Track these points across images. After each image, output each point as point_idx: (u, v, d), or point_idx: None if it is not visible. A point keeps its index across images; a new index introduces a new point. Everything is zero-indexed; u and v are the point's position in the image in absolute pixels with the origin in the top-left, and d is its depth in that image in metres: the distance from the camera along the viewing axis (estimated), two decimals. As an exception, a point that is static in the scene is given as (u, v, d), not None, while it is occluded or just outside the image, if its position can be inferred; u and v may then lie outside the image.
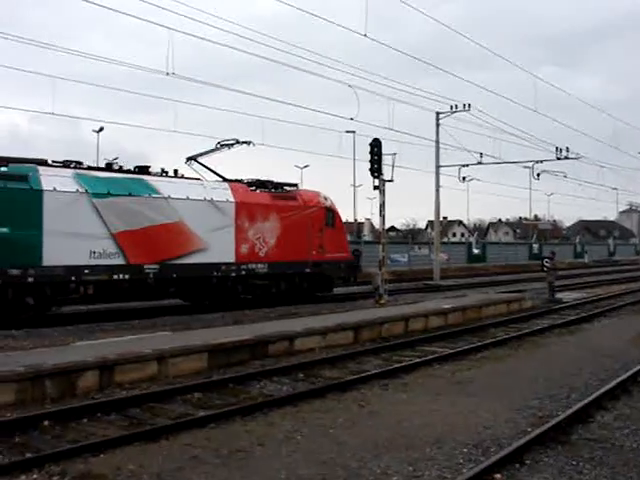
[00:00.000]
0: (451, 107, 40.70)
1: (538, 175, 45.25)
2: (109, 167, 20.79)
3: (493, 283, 39.57)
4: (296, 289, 24.86)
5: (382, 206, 23.45)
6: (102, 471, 7.38)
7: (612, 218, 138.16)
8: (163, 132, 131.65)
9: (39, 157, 19.02)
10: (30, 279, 17.50)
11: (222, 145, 24.90)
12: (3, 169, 17.51)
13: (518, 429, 9.23)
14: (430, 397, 11.18)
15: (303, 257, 24.76)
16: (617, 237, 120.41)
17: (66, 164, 19.51)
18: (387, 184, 23.88)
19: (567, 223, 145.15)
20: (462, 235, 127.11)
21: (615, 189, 75.04)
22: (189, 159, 24.01)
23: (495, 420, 9.69)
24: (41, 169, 18.30)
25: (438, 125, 41.39)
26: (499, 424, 9.48)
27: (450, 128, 41.36)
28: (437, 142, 41.52)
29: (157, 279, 20.28)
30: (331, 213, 26.37)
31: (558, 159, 42.34)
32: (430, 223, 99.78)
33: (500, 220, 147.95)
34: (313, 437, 8.84)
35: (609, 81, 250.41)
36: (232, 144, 24.88)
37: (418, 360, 14.24)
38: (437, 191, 41.85)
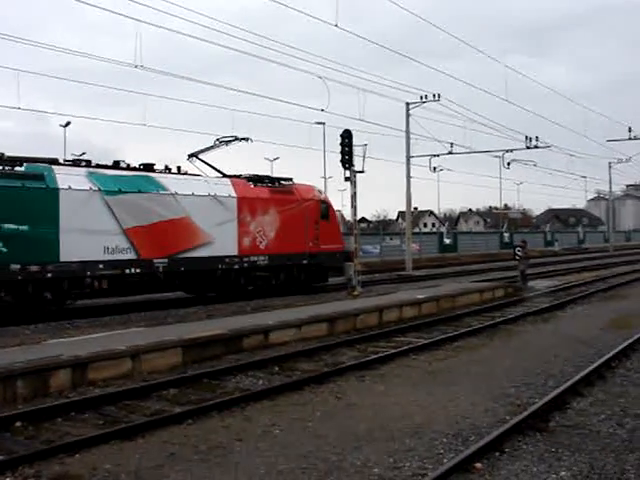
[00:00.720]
0: (421, 97, 40.69)
1: (508, 164, 45.56)
2: (117, 165, 21.23)
3: (465, 273, 39.73)
4: (294, 280, 25.59)
5: (353, 197, 23.43)
6: (78, 471, 7.25)
7: (581, 206, 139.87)
8: (132, 126, 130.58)
9: (48, 156, 19.46)
10: (49, 275, 18.13)
11: (221, 142, 25.42)
12: (21, 169, 18.09)
13: (497, 418, 9.24)
14: (407, 388, 11.16)
15: (300, 249, 25.53)
16: (586, 225, 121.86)
17: (76, 163, 20.08)
18: (358, 175, 23.89)
19: (537, 212, 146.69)
20: (433, 225, 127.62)
21: (584, 177, 75.66)
22: (191, 156, 24.69)
23: (473, 409, 9.69)
24: (56, 168, 18.90)
25: (408, 115, 41.37)
26: (478, 413, 9.48)
27: (420, 118, 41.51)
28: (407, 132, 41.51)
29: (166, 273, 20.98)
30: (325, 206, 27.19)
31: (528, 148, 42.66)
32: (401, 214, 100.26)
33: (471, 210, 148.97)
34: (291, 431, 8.78)
35: (577, 70, 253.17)
36: (230, 140, 25.36)
37: (394, 351, 14.22)
38: (408, 181, 41.84)
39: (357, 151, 23.86)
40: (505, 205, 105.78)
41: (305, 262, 25.76)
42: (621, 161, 67.14)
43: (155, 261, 20.56)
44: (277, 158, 75.55)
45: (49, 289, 18.42)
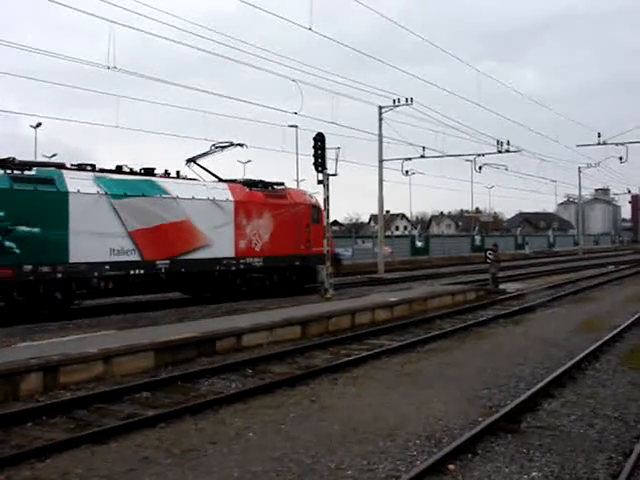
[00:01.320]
0: (394, 101, 40.89)
1: (480, 168, 45.98)
2: (119, 169, 21.66)
3: (437, 275, 39.93)
4: (287, 281, 26.42)
5: (326, 200, 23.44)
6: (49, 476, 7.20)
7: (551, 210, 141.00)
8: (104, 127, 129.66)
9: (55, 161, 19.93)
10: (59, 275, 18.74)
11: (217, 147, 25.87)
12: (32, 173, 18.64)
13: (469, 419, 9.30)
14: (380, 390, 11.20)
15: (293, 251, 26.32)
16: (556, 229, 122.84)
17: (81, 167, 20.50)
18: (330, 178, 23.92)
19: (508, 215, 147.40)
20: (405, 228, 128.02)
21: (554, 182, 76.34)
22: (189, 161, 25.22)
23: (446, 411, 9.74)
24: (65, 172, 19.49)
25: (381, 119, 41.55)
26: (450, 415, 9.54)
27: (393, 122, 41.60)
28: (380, 136, 41.68)
29: (168, 274, 21.67)
30: (316, 210, 27.78)
31: (499, 152, 43.00)
32: (373, 217, 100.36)
33: (442, 213, 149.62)
34: (265, 433, 8.77)
35: (548, 76, 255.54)
36: (226, 146, 25.86)
37: (367, 353, 14.25)
38: (380, 185, 42.06)
39: (330, 154, 23.94)
40: (476, 209, 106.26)
41: (297, 264, 26.56)
42: (590, 166, 67.76)
43: (158, 262, 21.25)
44: (249, 161, 75.39)
45: (59, 289, 19.00)
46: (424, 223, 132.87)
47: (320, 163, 23.08)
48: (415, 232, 71.39)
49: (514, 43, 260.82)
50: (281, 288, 25.71)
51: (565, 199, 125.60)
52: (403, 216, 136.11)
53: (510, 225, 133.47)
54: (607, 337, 15.74)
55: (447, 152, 46.24)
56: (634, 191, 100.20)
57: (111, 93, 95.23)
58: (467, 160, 53.57)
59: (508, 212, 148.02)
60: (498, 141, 43.06)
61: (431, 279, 36.62)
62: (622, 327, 17.45)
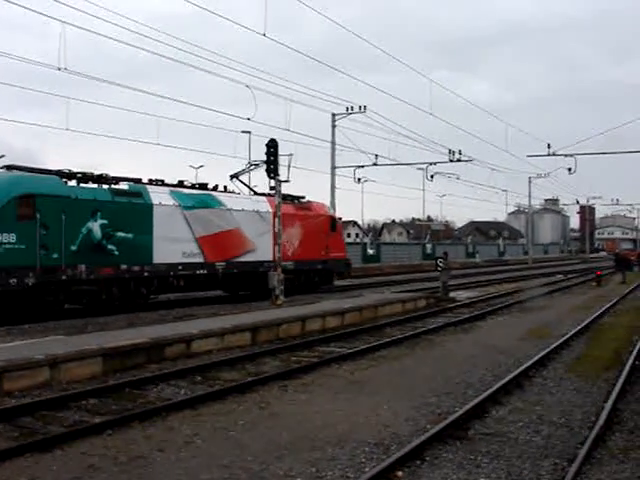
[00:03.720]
0: (347, 109, 41.11)
1: (431, 177, 46.46)
2: (181, 184, 25.42)
3: (388, 283, 40.10)
4: (311, 282, 30.47)
5: (278, 207, 23.42)
6: (-9, 484, 7.03)
7: (502, 219, 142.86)
8: (55, 129, 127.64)
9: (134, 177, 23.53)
10: (145, 274, 22.27)
11: (252, 165, 29.54)
12: (126, 187, 22.38)
13: (418, 426, 9.35)
14: (330, 397, 11.20)
15: (316, 256, 30.47)
16: (506, 238, 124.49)
17: (153, 182, 24.04)
18: (283, 185, 23.94)
19: (459, 224, 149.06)
20: (357, 235, 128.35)
21: (505, 191, 77.58)
22: (232, 177, 28.95)
23: (395, 418, 9.79)
24: (149, 187, 23.22)
25: (334, 126, 41.73)
26: (399, 422, 9.58)
27: (346, 129, 41.81)
28: (333, 143, 41.88)
29: (223, 274, 25.46)
30: (333, 220, 32.44)
31: (451, 161, 43.54)
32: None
33: (394, 221, 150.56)
34: (214, 441, 8.71)
35: (500, 87, 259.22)
36: (259, 164, 28.22)
37: (317, 360, 14.26)
38: (332, 192, 42.20)
39: (282, 161, 24.00)
40: (428, 217, 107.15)
41: (319, 267, 30.85)
42: (540, 176, 69.04)
43: (216, 264, 25.03)
44: (202, 166, 75.06)
45: (145, 285, 22.53)
46: (376, 231, 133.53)
47: (272, 169, 23.04)
48: (367, 239, 71.68)
49: (467, 53, 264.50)
50: (305, 287, 29.41)
51: (515, 208, 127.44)
52: (355, 223, 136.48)
53: (461, 234, 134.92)
54: (554, 345, 15.99)
55: (400, 160, 46.71)
56: (582, 202, 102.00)
57: (61, 95, 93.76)
58: (419, 168, 54.16)
59: (459, 221, 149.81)
60: (450, 150, 43.62)
61: (382, 286, 36.77)
62: (569, 335, 17.74)
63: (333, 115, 42.03)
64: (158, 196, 23.09)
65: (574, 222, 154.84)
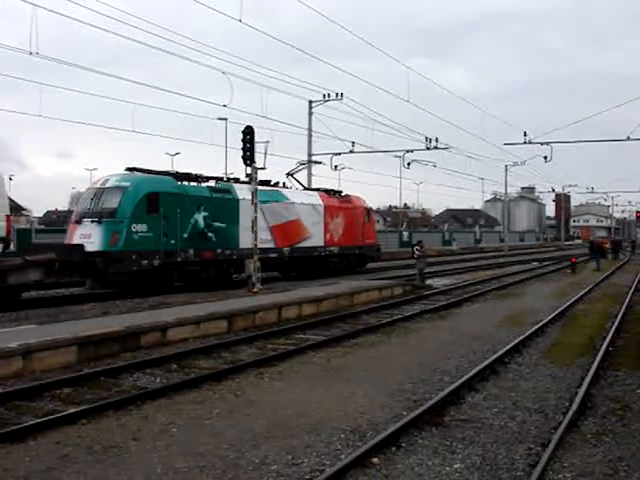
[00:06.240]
0: (324, 96, 41.01)
1: (408, 164, 46.51)
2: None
3: (364, 270, 40.06)
4: (350, 264, 35.47)
5: (254, 194, 23.32)
6: (-37, 475, 6.95)
7: (478, 207, 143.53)
8: (27, 116, 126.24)
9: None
10: (234, 257, 26.41)
11: (301, 164, 35.94)
12: (219, 185, 27.09)
13: (393, 413, 9.37)
14: (306, 384, 11.19)
15: (354, 242, 35.58)
16: (483, 225, 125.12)
17: (229, 179, 29.10)
18: (259, 172, 23.89)
19: (436, 211, 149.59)
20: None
21: (482, 179, 78.00)
22: (288, 174, 34.17)
23: (371, 405, 9.80)
24: (234, 185, 27.76)
25: (311, 114, 41.63)
26: (375, 409, 9.60)
27: (323, 117, 41.76)
28: (310, 130, 41.77)
29: (288, 257, 30.33)
30: (367, 211, 38.04)
31: (428, 149, 43.60)
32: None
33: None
34: (189, 429, 8.67)
35: (477, 75, 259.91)
36: (305, 163, 36.07)
37: (293, 348, 14.24)
38: (309, 179, 42.09)
39: (259, 148, 24.04)
40: (405, 204, 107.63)
41: (357, 252, 35.98)
42: (516, 164, 69.40)
43: (284, 249, 29.84)
44: (178, 153, 74.85)
45: (233, 267, 26.63)
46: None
47: (249, 156, 22.91)
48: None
49: (445, 41, 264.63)
50: (345, 269, 34.52)
51: (492, 196, 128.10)
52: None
53: (438, 221, 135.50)
54: (530, 331, 16.10)
55: (377, 148, 46.68)
56: (558, 190, 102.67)
57: (34, 80, 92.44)
58: (396, 156, 54.15)
59: (436, 208, 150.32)
60: (427, 138, 43.69)
61: (358, 274, 36.77)
62: (544, 322, 17.87)
63: (310, 102, 41.95)
64: (242, 192, 26.98)
65: (550, 210, 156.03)
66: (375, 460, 7.45)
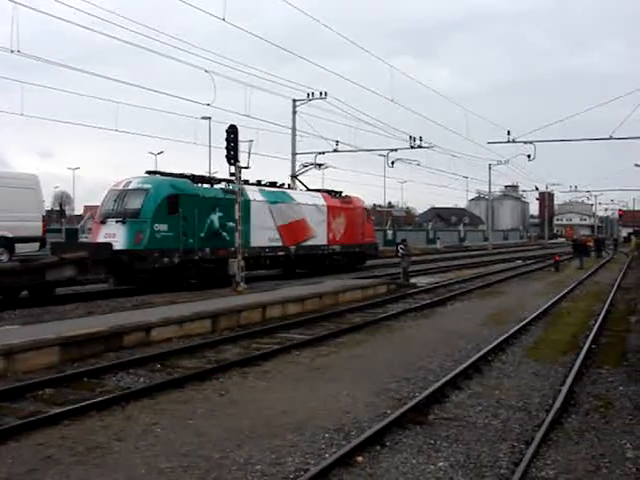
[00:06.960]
0: (308, 95, 40.97)
1: (392, 163, 46.52)
2: (259, 183, 31.44)
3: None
4: (351, 262, 37.09)
5: (238, 193, 23.29)
6: (-56, 477, 6.89)
7: (463, 205, 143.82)
8: (8, 115, 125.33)
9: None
10: (246, 254, 25.88)
11: (304, 166, 38.65)
12: (232, 187, 26.73)
13: (378, 412, 9.38)
14: (290, 384, 11.19)
15: (354, 241, 37.17)
16: (467, 224, 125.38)
17: (247, 182, 29.61)
18: (243, 171, 23.90)
19: (420, 210, 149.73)
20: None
21: (466, 177, 78.12)
22: (292, 176, 37.15)
23: (355, 404, 9.80)
24: (246, 187, 28.46)
25: (295, 112, 41.58)
26: (359, 408, 9.60)
27: (307, 116, 41.71)
28: (294, 129, 41.73)
29: (294, 255, 31.87)
30: (367, 211, 40.20)
31: (412, 148, 43.60)
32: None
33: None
34: (173, 429, 8.64)
35: (460, 74, 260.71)
36: (309, 165, 38.70)
37: (277, 347, 14.22)
38: (292, 179, 42.03)
39: (243, 147, 23.93)
40: (389, 203, 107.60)
41: (357, 250, 37.59)
42: (500, 163, 69.45)
43: (290, 247, 31.32)
44: (162, 152, 74.63)
45: (245, 264, 25.76)
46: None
47: (232, 156, 22.86)
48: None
49: (428, 41, 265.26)
50: (346, 266, 36.11)
51: (476, 195, 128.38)
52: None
53: (422, 220, 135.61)
54: (513, 330, 16.17)
55: (361, 147, 46.68)
56: (542, 188, 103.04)
57: (16, 79, 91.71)
58: (380, 155, 54.24)
59: (420, 207, 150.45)
60: (411, 137, 43.71)
61: (342, 273, 36.78)
62: (528, 320, 17.96)
63: (294, 101, 41.88)
64: (253, 193, 29.22)
65: (533, 208, 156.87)
66: (360, 459, 7.46)
